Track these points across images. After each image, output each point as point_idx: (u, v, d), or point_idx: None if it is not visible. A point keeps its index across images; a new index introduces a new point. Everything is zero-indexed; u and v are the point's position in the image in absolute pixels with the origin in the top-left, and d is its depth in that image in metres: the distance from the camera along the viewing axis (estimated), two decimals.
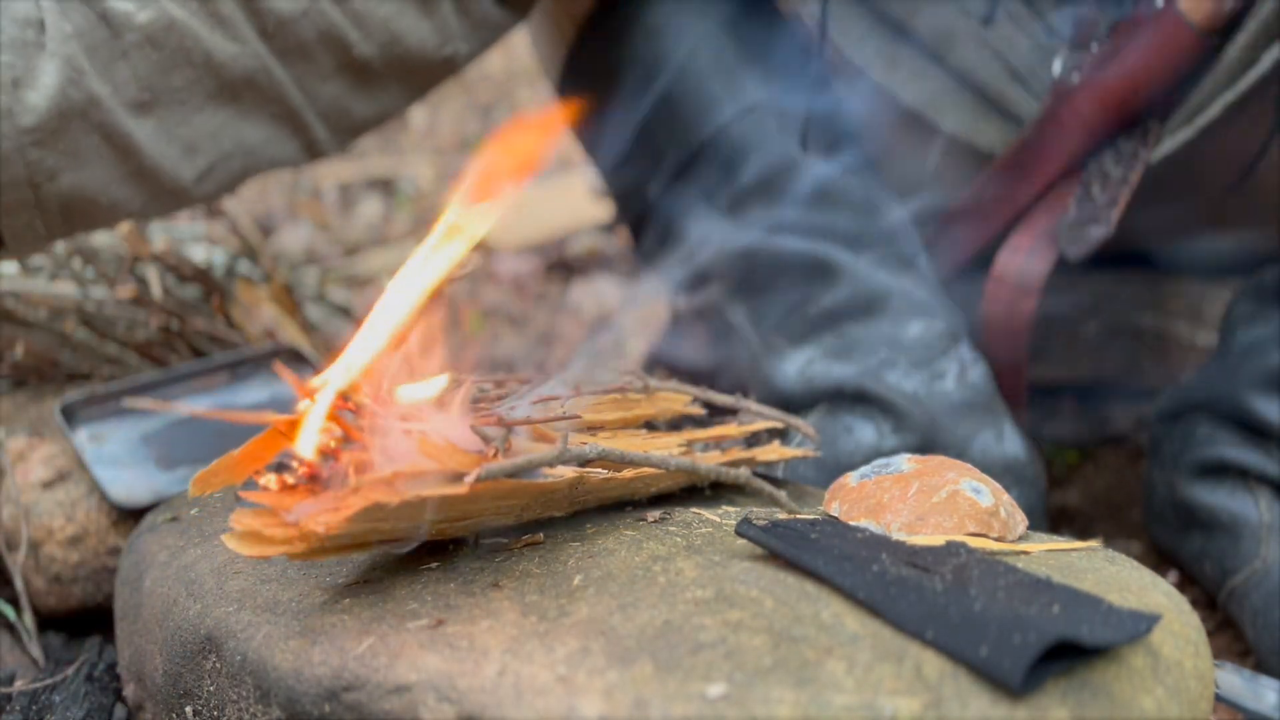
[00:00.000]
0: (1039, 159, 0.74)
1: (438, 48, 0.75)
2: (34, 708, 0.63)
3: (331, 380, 0.48)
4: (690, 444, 0.61)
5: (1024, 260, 0.74)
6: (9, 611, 0.72)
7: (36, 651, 0.70)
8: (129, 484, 0.73)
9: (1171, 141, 0.70)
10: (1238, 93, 0.67)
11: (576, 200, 1.49)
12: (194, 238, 0.98)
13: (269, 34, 0.70)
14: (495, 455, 0.50)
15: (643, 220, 0.86)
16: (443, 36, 0.74)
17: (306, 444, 0.47)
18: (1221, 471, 0.74)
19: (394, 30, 0.72)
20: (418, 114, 2.06)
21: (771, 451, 0.63)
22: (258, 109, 0.71)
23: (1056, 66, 0.73)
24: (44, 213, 0.66)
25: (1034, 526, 0.55)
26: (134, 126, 0.67)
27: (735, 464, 0.61)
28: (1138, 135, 0.72)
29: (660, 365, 0.94)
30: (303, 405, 0.49)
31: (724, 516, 0.55)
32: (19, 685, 0.65)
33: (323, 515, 0.45)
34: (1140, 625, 0.44)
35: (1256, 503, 0.72)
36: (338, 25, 0.71)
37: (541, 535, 0.53)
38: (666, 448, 0.60)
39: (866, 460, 0.56)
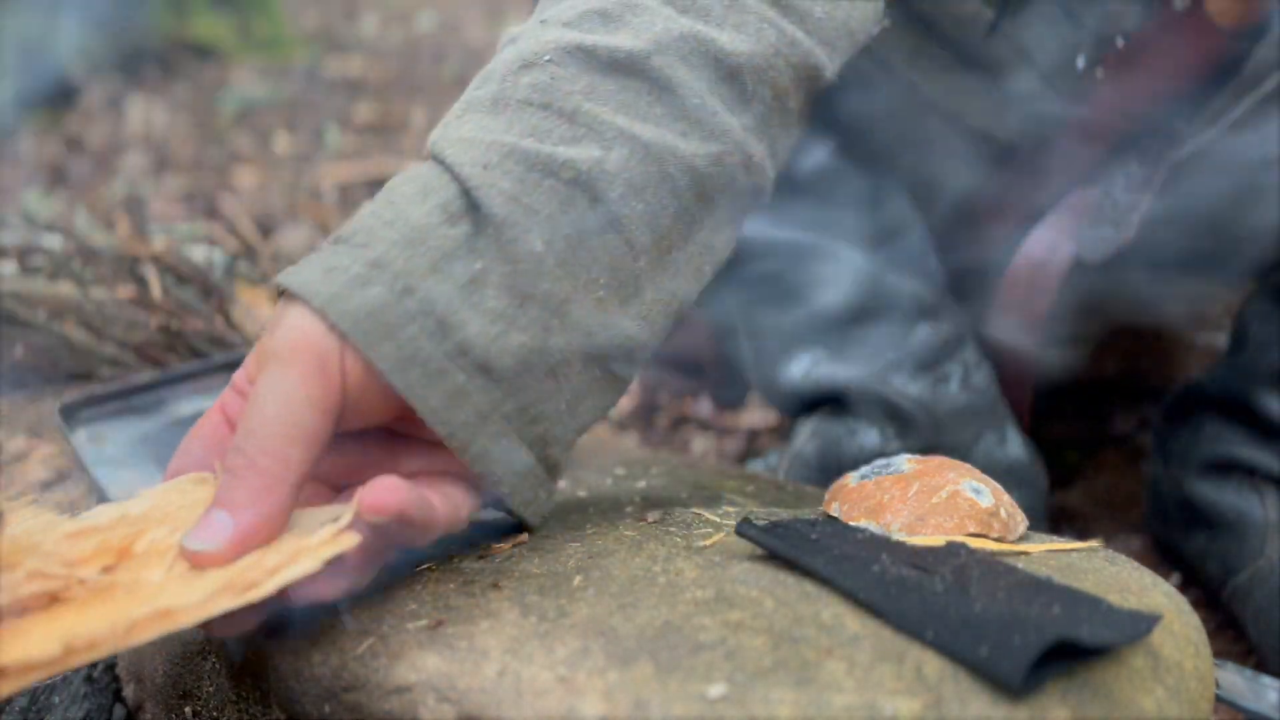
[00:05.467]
0: (1060, 156, 0.73)
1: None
2: (33, 708, 0.63)
3: None
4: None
5: (1040, 261, 0.73)
6: None
7: None
8: (128, 485, 0.73)
9: (1195, 142, 0.69)
10: (1263, 92, 0.66)
11: None
12: (193, 238, 0.98)
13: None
14: None
15: None
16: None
17: None
18: (1228, 469, 0.74)
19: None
20: (417, 114, 2.07)
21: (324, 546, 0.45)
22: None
23: (1080, 62, 0.72)
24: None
25: (1035, 527, 0.55)
26: None
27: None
28: (1162, 135, 0.71)
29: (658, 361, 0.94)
30: None
31: (724, 517, 0.55)
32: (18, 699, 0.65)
33: None
34: (1141, 626, 0.44)
35: (1262, 501, 0.73)
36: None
37: (525, 535, 0.52)
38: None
39: (869, 463, 0.56)
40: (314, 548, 0.43)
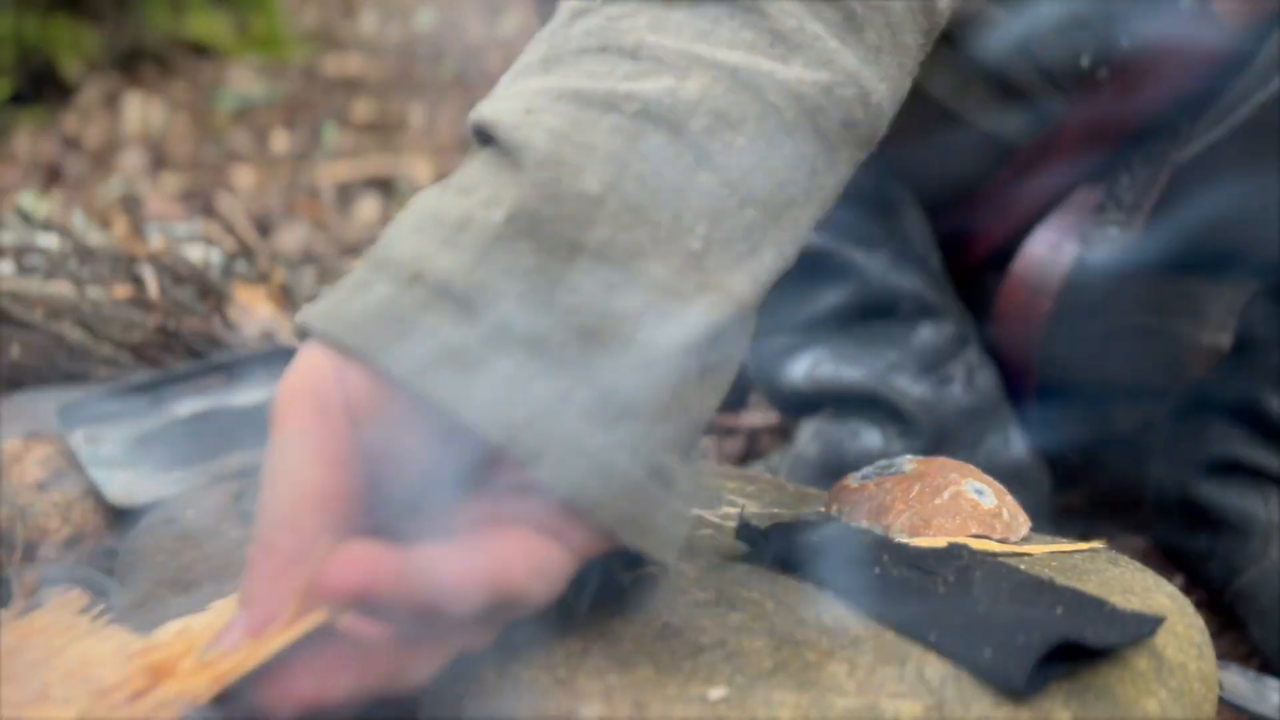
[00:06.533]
0: (1064, 155, 0.72)
1: None
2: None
3: None
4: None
5: (1043, 261, 0.73)
6: (5, 615, 0.72)
7: None
8: (126, 485, 0.73)
9: (1201, 142, 0.68)
10: (1269, 93, 0.65)
11: None
12: (190, 237, 0.97)
13: None
14: None
15: None
16: None
17: None
18: (1232, 470, 0.74)
19: None
20: (416, 112, 2.06)
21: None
22: None
23: (1085, 61, 0.71)
24: None
25: (1037, 528, 0.55)
26: None
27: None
28: (1167, 135, 0.70)
29: None
30: None
31: (725, 518, 0.55)
32: None
33: None
34: (1144, 627, 0.43)
35: (1266, 502, 0.72)
36: None
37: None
38: None
39: (871, 464, 0.56)
40: (270, 637, 0.35)
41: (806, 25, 0.40)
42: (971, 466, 0.55)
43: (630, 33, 0.40)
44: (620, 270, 0.37)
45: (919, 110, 0.71)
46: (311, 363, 0.38)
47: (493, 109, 0.40)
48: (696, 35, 0.39)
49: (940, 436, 0.73)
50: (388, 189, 1.73)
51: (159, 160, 1.83)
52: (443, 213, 0.38)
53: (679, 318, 0.38)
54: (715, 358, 0.39)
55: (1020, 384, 0.77)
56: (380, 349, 0.36)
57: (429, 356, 0.36)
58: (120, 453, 0.76)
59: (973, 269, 0.79)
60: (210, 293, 0.89)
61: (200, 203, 1.59)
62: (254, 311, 0.90)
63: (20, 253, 0.88)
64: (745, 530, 0.49)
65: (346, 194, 1.70)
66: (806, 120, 0.40)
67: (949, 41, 0.72)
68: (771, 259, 0.40)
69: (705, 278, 0.38)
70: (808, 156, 0.40)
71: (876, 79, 0.42)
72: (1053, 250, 0.73)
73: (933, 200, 0.78)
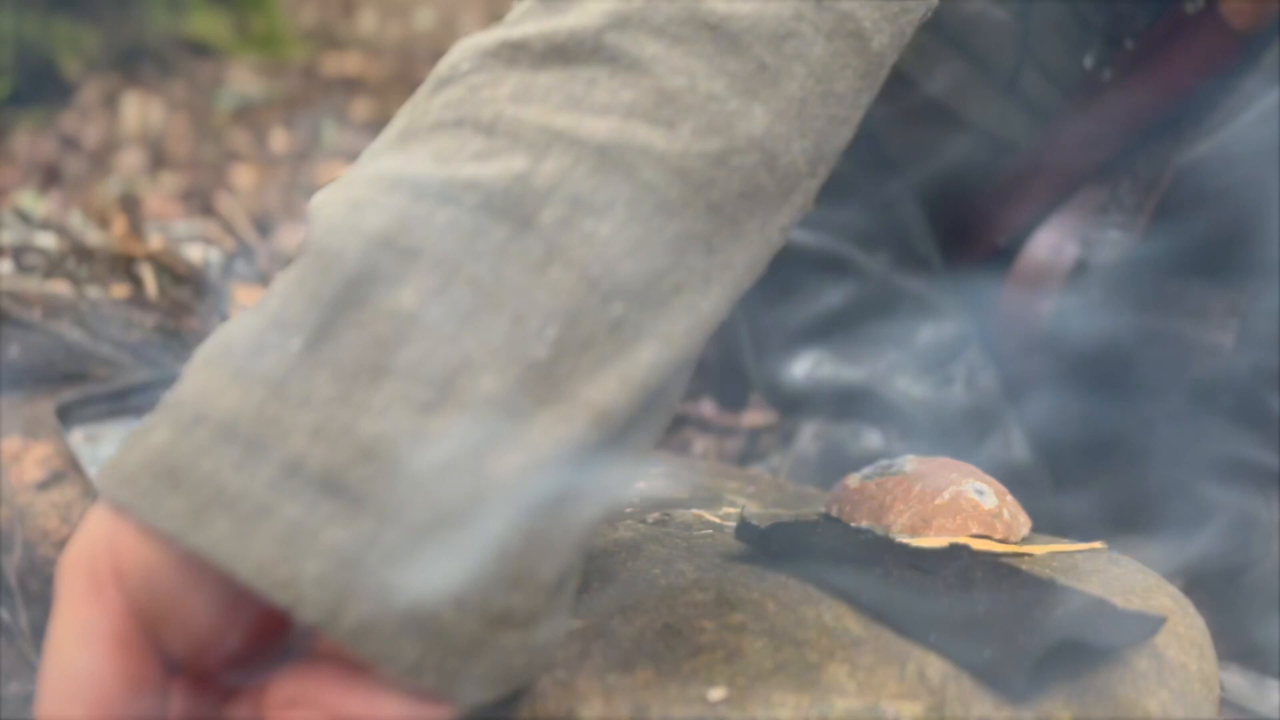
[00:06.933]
0: (1066, 156, 0.72)
1: None
2: (28, 712, 0.62)
3: None
4: None
5: (1044, 262, 0.73)
6: (4, 614, 0.72)
7: (32, 655, 0.70)
8: None
9: (1205, 145, 0.68)
10: (1274, 98, 0.65)
11: None
12: (189, 237, 0.97)
13: None
14: None
15: None
16: None
17: None
18: (1234, 469, 0.74)
19: None
20: None
21: None
22: None
23: (1088, 61, 0.71)
24: None
25: (1038, 528, 0.55)
26: None
27: None
28: (1170, 137, 0.70)
29: None
30: None
31: (725, 518, 0.55)
32: (13, 689, 0.64)
33: None
34: (1145, 627, 0.43)
35: (1267, 502, 0.72)
36: None
37: None
38: None
39: (872, 464, 0.56)
40: None
41: (700, 84, 0.35)
42: (972, 467, 0.55)
43: (489, 104, 0.35)
44: (437, 389, 0.32)
45: (919, 110, 0.71)
46: (89, 527, 0.33)
47: (322, 200, 0.36)
48: (565, 103, 0.35)
49: (940, 436, 0.73)
50: None
51: (158, 160, 1.83)
52: (235, 342, 0.33)
53: (516, 438, 0.32)
54: (578, 477, 0.33)
55: (1021, 384, 0.77)
56: (150, 503, 0.31)
57: (203, 506, 0.31)
58: None
59: (974, 269, 0.79)
60: (209, 292, 0.89)
61: (199, 202, 1.59)
62: None
63: (19, 252, 0.88)
64: (745, 530, 0.49)
65: None
66: (694, 196, 0.35)
67: (949, 42, 0.72)
68: (652, 355, 0.34)
69: (553, 389, 0.33)
70: (700, 235, 0.35)
71: (792, 136, 0.37)
72: (1054, 251, 0.73)
73: (935, 201, 0.78)
